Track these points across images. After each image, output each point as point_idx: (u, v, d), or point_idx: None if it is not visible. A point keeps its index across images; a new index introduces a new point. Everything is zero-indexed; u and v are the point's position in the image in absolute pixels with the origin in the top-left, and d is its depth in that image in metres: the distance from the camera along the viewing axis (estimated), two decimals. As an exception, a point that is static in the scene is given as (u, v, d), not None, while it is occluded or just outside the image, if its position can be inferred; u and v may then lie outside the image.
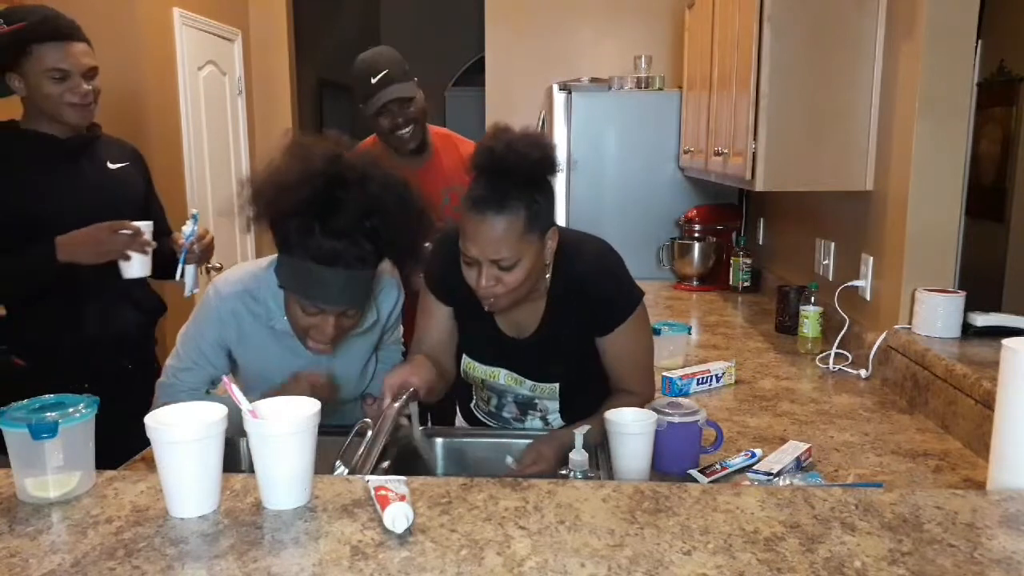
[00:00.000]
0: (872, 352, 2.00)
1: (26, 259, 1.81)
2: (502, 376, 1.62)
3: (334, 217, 1.35)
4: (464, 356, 1.65)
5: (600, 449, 1.48)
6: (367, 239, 1.39)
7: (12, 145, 1.87)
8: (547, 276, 1.51)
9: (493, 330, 1.59)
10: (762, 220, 3.39)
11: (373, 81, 2.22)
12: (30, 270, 1.83)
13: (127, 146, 2.09)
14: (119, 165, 2.02)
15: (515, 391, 1.65)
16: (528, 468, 1.45)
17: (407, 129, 2.26)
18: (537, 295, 1.53)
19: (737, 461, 1.44)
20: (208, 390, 1.59)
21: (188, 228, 1.93)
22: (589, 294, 1.51)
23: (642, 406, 1.46)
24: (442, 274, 1.58)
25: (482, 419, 1.76)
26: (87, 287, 1.89)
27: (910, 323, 1.91)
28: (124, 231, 1.81)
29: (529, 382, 1.61)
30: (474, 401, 1.78)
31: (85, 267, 1.82)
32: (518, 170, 1.37)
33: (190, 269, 1.95)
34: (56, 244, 1.78)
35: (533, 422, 1.68)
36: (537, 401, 1.66)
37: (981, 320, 1.83)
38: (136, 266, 1.85)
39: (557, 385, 1.60)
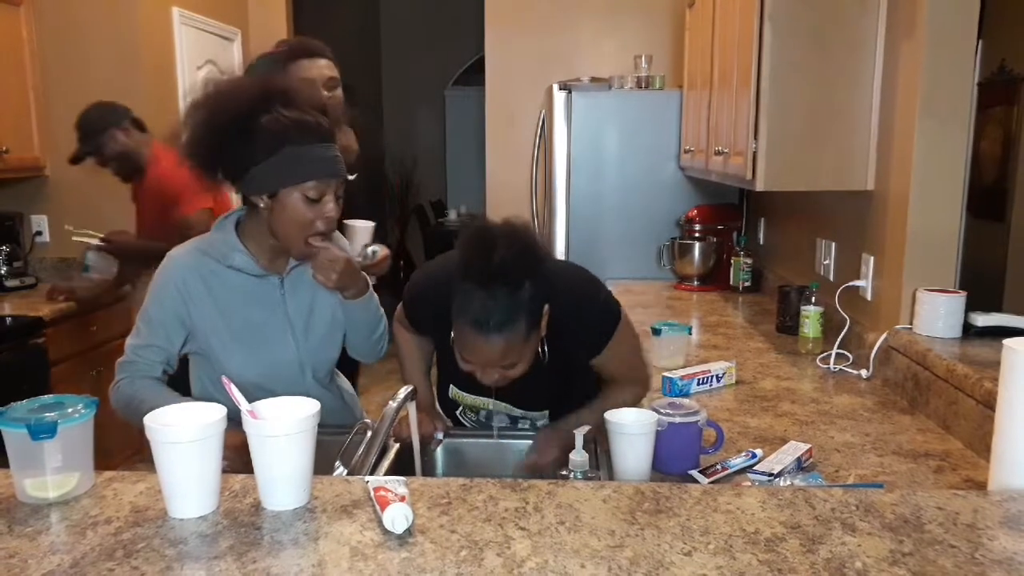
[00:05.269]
0: (873, 352, 1.99)
1: None
2: (491, 404, 1.64)
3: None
4: (451, 387, 1.66)
5: (599, 447, 1.48)
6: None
7: None
8: None
9: None
10: (763, 220, 3.39)
11: None
12: None
13: None
14: None
15: (504, 413, 1.67)
16: (534, 460, 1.47)
17: None
18: None
19: (738, 462, 1.43)
20: (164, 369, 1.56)
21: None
22: (570, 328, 1.49)
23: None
24: (428, 316, 1.59)
25: (469, 427, 1.76)
26: None
27: (911, 323, 1.90)
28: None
29: (519, 410, 1.64)
30: (460, 408, 1.77)
31: None
32: (515, 280, 1.31)
33: None
34: None
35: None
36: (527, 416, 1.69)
37: (982, 320, 1.83)
38: None
39: (547, 412, 1.65)
